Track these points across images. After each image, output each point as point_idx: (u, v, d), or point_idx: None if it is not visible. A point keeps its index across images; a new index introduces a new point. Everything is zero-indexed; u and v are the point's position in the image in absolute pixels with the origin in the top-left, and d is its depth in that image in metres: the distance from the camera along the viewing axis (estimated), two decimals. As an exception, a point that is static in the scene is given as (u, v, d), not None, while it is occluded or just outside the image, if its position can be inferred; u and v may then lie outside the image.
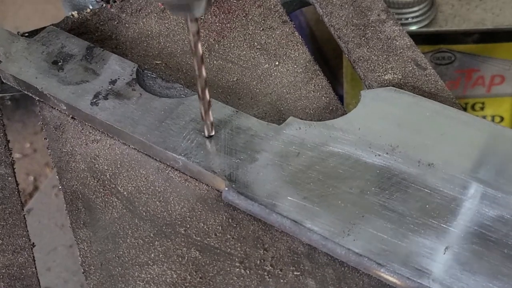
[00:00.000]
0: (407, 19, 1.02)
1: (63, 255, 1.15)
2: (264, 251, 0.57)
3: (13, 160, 0.66)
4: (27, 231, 0.60)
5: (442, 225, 0.56)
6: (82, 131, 0.67)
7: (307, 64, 0.71)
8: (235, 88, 0.69)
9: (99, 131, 0.66)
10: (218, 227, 0.59)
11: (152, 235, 0.59)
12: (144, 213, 0.60)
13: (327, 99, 0.68)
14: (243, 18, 0.76)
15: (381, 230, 0.56)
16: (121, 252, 0.58)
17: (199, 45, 0.57)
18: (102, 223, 0.60)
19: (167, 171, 0.63)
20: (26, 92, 0.70)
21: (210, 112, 0.61)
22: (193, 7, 0.53)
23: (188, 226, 0.59)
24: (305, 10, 1.17)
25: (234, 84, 0.70)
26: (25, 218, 0.61)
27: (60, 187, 0.63)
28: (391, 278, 0.54)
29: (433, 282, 0.52)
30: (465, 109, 0.94)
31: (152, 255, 0.58)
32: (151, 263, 0.57)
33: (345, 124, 0.63)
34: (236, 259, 0.57)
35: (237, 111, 0.65)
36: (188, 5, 0.53)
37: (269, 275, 0.56)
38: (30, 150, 1.58)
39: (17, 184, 0.64)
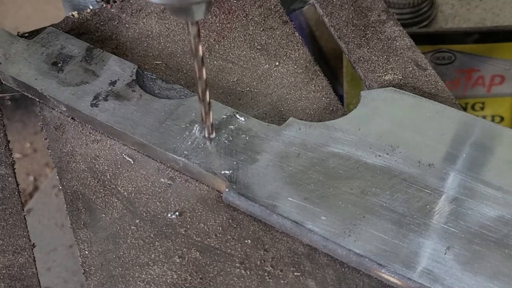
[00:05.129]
0: (407, 19, 1.02)
1: (63, 255, 1.15)
2: (265, 252, 0.57)
3: (13, 160, 0.65)
4: (27, 231, 0.60)
5: (442, 225, 0.56)
6: (83, 131, 0.67)
7: (307, 64, 0.71)
8: (235, 89, 0.69)
9: (99, 131, 0.66)
10: (218, 228, 0.59)
11: (152, 236, 0.59)
12: (144, 214, 0.60)
13: (328, 99, 0.68)
14: (243, 18, 0.75)
15: (382, 230, 0.56)
16: (122, 253, 0.58)
17: (200, 47, 0.57)
18: (102, 223, 0.60)
19: (167, 172, 0.63)
20: (26, 94, 0.70)
21: (211, 114, 0.61)
22: (193, 10, 0.53)
23: (188, 226, 0.59)
24: (305, 10, 1.17)
25: (234, 84, 0.70)
26: (25, 219, 0.61)
27: (60, 187, 0.63)
28: (392, 279, 0.54)
29: (434, 283, 0.52)
30: (465, 109, 0.94)
31: (153, 255, 0.58)
32: (151, 264, 0.57)
33: (345, 124, 0.63)
34: (237, 260, 0.57)
35: (237, 112, 0.65)
36: (189, 8, 0.53)
37: (270, 276, 0.56)
38: (30, 150, 1.58)
39: (17, 184, 0.64)
